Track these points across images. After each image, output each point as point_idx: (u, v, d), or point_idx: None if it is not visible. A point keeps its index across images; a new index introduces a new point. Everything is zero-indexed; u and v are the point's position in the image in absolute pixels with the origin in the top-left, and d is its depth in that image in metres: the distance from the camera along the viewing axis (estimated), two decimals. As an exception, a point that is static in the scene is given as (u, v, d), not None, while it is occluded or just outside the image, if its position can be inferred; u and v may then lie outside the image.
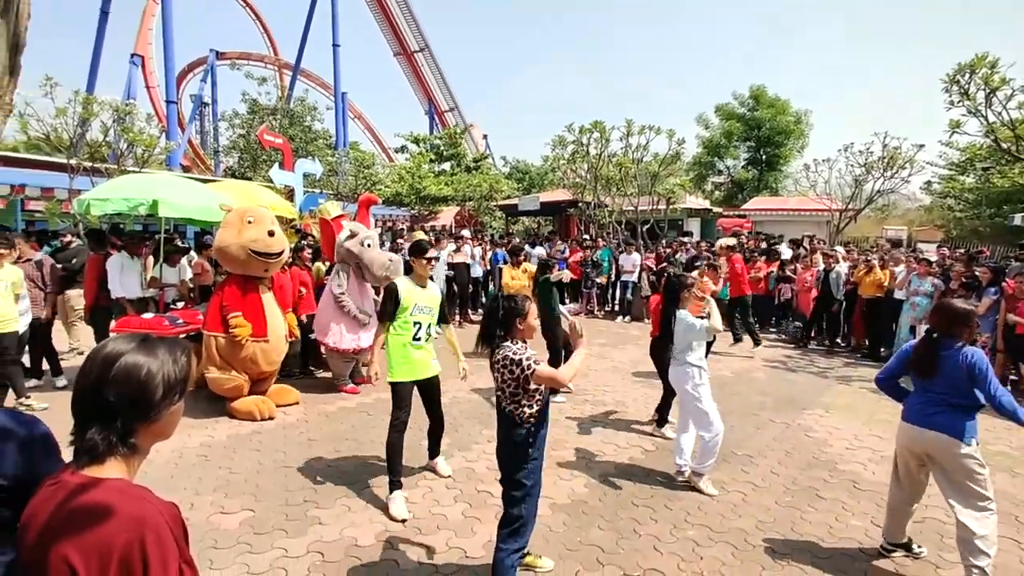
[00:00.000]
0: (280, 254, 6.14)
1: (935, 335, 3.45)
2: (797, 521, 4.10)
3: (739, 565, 3.54)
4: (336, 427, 5.82)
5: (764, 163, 31.25)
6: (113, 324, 6.80)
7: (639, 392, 7.19)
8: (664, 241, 15.70)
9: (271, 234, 6.00)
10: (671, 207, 17.95)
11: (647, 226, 16.38)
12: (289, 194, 12.35)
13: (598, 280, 13.40)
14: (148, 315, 6.64)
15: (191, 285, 8.21)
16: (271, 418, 6.01)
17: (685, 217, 21.87)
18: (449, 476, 4.71)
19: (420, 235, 10.41)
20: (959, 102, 9.02)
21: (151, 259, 8.14)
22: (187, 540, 1.30)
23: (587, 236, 16.72)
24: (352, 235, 6.77)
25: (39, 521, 1.19)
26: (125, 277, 6.97)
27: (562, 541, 3.77)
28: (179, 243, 9.25)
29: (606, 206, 17.55)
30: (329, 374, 7.33)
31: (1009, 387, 7.58)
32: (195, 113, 32.78)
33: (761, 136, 30.57)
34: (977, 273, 8.04)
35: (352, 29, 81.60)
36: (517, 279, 8.28)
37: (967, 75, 8.81)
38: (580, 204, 18.67)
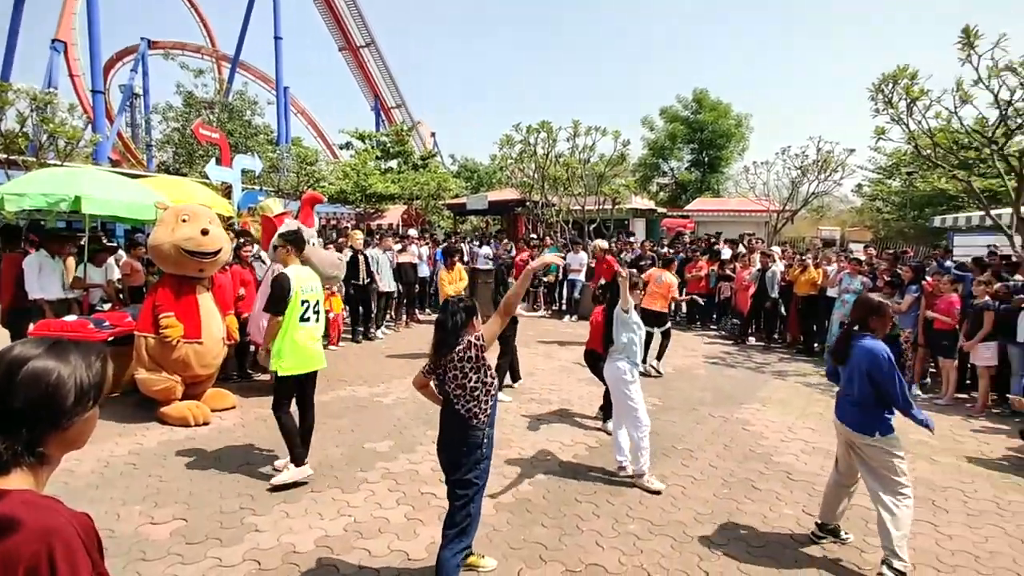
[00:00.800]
0: (216, 253, 5.90)
1: (855, 327, 3.65)
2: (734, 512, 4.23)
3: (678, 557, 3.62)
4: (274, 432, 5.55)
5: (707, 165, 32.18)
6: (31, 328, 6.37)
7: (584, 390, 7.27)
8: (613, 241, 15.94)
9: (205, 232, 5.77)
10: (617, 207, 18.23)
11: (593, 226, 16.60)
12: (227, 191, 11.90)
13: (545, 279, 13.49)
14: (71, 317, 6.25)
15: (119, 286, 7.79)
16: (206, 423, 5.77)
17: (631, 217, 22.25)
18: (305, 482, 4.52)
19: (359, 234, 10.20)
20: (883, 110, 9.51)
21: (73, 259, 7.68)
22: (102, 552, 1.23)
23: (534, 235, 16.81)
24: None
25: None
26: (44, 277, 6.54)
27: (506, 540, 3.76)
28: (106, 241, 8.76)
29: (553, 205, 17.68)
30: (268, 376, 7.09)
31: (928, 379, 8.06)
32: (125, 104, 31.06)
33: (704, 139, 31.46)
34: (899, 272, 8.50)
35: (295, 21, 79.26)
36: (453, 282, 8.26)
37: (890, 85, 9.30)
38: (528, 203, 18.74)
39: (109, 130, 24.59)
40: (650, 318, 8.42)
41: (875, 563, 3.57)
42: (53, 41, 24.92)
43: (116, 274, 7.84)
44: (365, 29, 38.38)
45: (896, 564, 3.31)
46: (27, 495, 1.16)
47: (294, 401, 4.60)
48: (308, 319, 4.55)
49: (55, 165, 10.61)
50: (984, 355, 6.85)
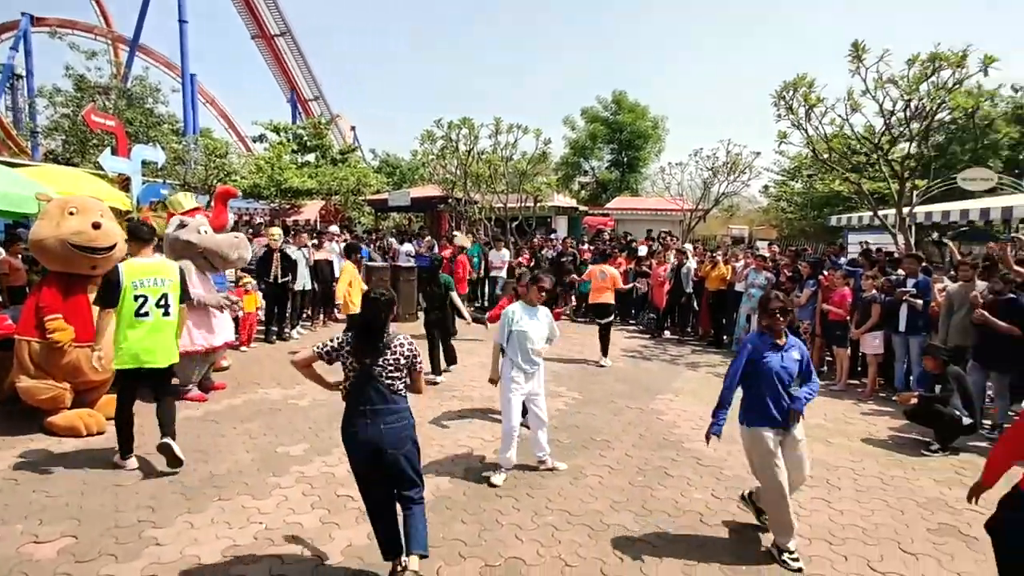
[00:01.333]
0: (110, 249, 5.47)
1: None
2: (648, 499, 4.38)
3: (594, 545, 3.70)
4: (179, 439, 5.29)
5: (626, 165, 33.18)
6: None
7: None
8: (535, 238, 16.12)
9: (96, 226, 5.33)
10: (539, 205, 18.47)
11: (516, 223, 16.72)
12: (124, 183, 11.06)
13: (468, 277, 13.45)
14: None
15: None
16: (100, 432, 5.34)
17: (553, 215, 22.59)
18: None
19: (276, 231, 9.79)
20: (785, 116, 10.14)
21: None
22: None
23: (456, 233, 16.74)
24: (182, 225, 6.23)
25: None
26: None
27: (425, 539, 3.70)
28: None
29: (476, 203, 17.67)
30: (175, 380, 6.66)
31: (824, 367, 8.65)
32: (3, 86, 28.29)
33: (623, 139, 32.40)
34: (799, 267, 9.10)
35: (203, 4, 74.87)
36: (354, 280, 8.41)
37: (791, 92, 9.92)
38: (451, 200, 18.64)
39: (-14, 114, 22.29)
40: (599, 311, 8.81)
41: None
42: (-84, 13, 22.30)
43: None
44: (280, 17, 36.82)
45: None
46: None
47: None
48: (147, 314, 4.57)
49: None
50: (872, 344, 7.44)
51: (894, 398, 6.68)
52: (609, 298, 8.84)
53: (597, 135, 32.32)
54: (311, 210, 24.07)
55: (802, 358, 3.75)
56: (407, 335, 3.25)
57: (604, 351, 8.72)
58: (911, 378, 7.19)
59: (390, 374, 3.11)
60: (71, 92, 22.55)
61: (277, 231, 9.82)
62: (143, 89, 24.23)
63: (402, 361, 3.15)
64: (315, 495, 4.26)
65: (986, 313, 5.97)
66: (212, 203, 7.05)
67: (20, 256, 7.89)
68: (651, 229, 17.45)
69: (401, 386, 3.17)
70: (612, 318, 8.95)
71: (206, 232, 6.25)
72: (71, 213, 5.34)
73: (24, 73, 29.26)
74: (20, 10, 29.05)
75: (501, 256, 13.03)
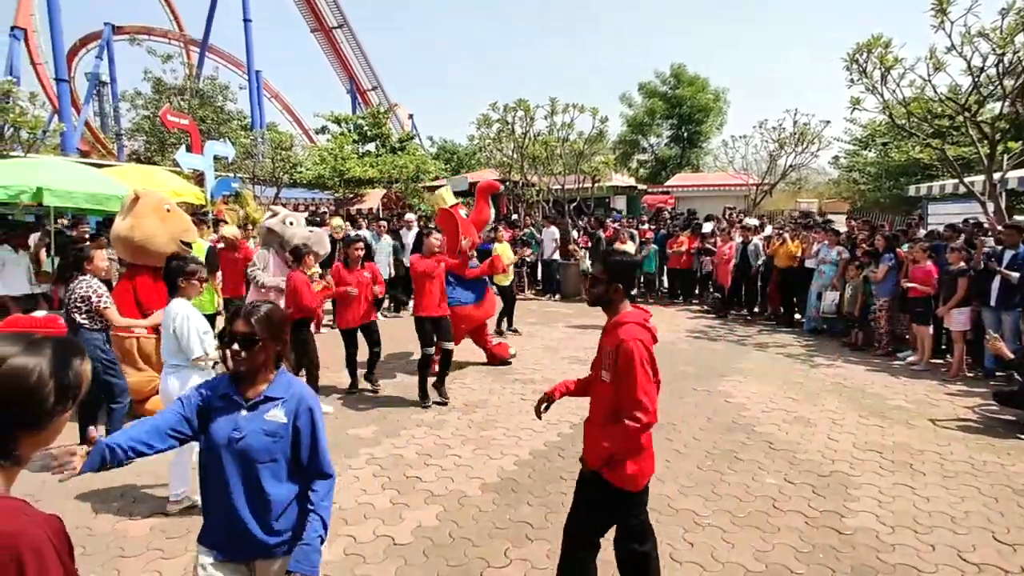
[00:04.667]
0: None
1: None
2: (717, 483, 4.28)
3: (663, 529, 3.64)
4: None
5: (686, 140, 32.19)
6: (-1, 325, 6.20)
7: (568, 369, 7.29)
8: (593, 218, 15.92)
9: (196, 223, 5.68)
10: (597, 185, 18.18)
11: (574, 204, 16.53)
12: (198, 179, 11.65)
13: (528, 259, 13.45)
14: (40, 313, 6.09)
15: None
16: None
17: (611, 195, 22.21)
18: None
19: (338, 220, 10.03)
20: (858, 80, 9.51)
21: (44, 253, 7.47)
22: (73, 556, 1.19)
23: (515, 215, 16.75)
24: (274, 215, 6.51)
25: None
26: (7, 273, 6.37)
27: (492, 520, 3.77)
28: (85, 233, 8.46)
29: (533, 185, 17.57)
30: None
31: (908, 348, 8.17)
32: (91, 93, 30.20)
33: (682, 114, 31.41)
34: (876, 241, 8.58)
35: (265, 2, 77.22)
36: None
37: (864, 54, 9.28)
38: (508, 184, 18.60)
39: (76, 120, 23.92)
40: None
41: (855, 527, 3.64)
42: (12, 28, 24.07)
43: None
44: (337, 9, 37.53)
45: None
46: None
47: None
48: None
49: (17, 157, 10.28)
50: (958, 320, 6.96)
51: (986, 343, 6.08)
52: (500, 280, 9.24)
53: (656, 111, 31.47)
54: (373, 198, 24.61)
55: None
56: None
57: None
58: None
59: None
60: (150, 95, 23.89)
61: (338, 221, 10.06)
62: (214, 88, 25.38)
63: None
64: (385, 476, 4.39)
65: None
66: (476, 198, 7.38)
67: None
68: (731, 207, 16.78)
69: None
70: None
71: (291, 224, 6.47)
72: (168, 211, 5.61)
73: (108, 80, 31.15)
74: (103, 20, 30.95)
75: (550, 233, 13.02)
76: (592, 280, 2.70)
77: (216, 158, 12.87)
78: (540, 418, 2.94)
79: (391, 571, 3.28)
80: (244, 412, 2.01)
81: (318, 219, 15.48)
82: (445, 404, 5.92)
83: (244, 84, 30.82)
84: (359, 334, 6.36)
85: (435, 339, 5.92)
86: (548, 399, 2.90)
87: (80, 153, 22.35)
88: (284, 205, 21.06)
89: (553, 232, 13.02)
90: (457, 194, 25.81)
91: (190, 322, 3.74)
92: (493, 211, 8.05)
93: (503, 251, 9.05)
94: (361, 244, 6.28)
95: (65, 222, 10.27)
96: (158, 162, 20.75)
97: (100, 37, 30.49)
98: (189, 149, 12.26)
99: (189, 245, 5.67)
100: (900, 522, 3.72)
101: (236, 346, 1.94)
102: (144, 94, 24.36)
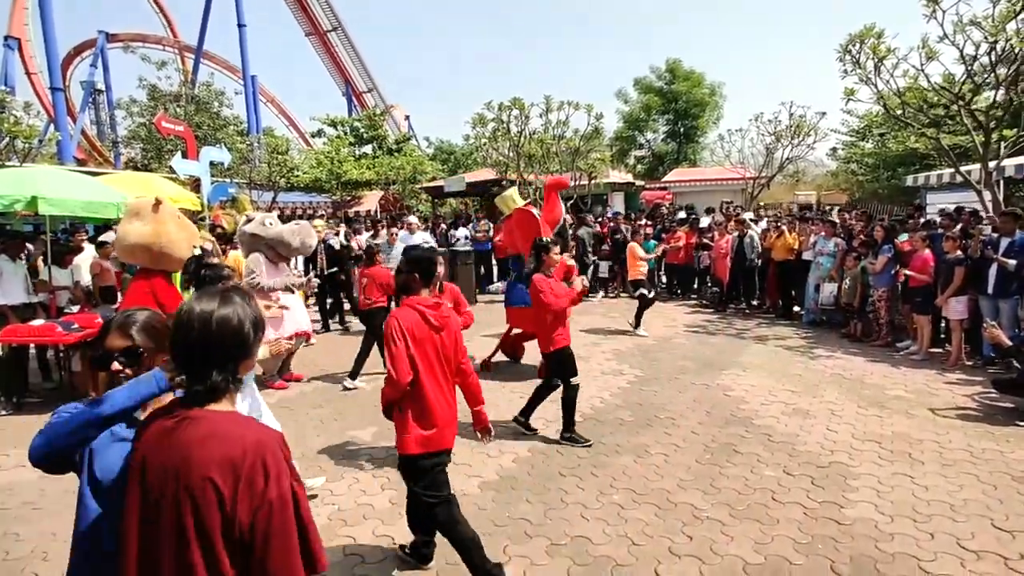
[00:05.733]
0: None
1: None
2: (716, 477, 4.28)
3: (662, 524, 3.65)
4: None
5: (682, 135, 32.12)
6: (-2, 334, 6.20)
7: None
8: (593, 216, 15.92)
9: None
10: (594, 182, 18.18)
11: (571, 201, 16.53)
12: (195, 185, 11.65)
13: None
14: (37, 322, 6.09)
15: (88, 287, 7.60)
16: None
17: (609, 191, 22.18)
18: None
19: (320, 222, 9.99)
20: (852, 71, 9.50)
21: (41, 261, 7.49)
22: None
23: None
24: (248, 220, 6.51)
25: (173, 452, 1.37)
26: (5, 282, 6.36)
27: (491, 518, 3.77)
28: (82, 240, 8.41)
29: (531, 184, 17.58)
30: (259, 371, 7.00)
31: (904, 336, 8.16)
32: (87, 101, 30.21)
33: (678, 109, 31.33)
34: (873, 232, 8.57)
35: (258, 7, 77.16)
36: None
37: (857, 45, 9.27)
38: (505, 183, 18.60)
39: (72, 128, 23.93)
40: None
41: (854, 517, 3.65)
42: (6, 38, 24.13)
43: (85, 275, 7.64)
44: (331, 12, 37.55)
45: None
46: (235, 415, 1.47)
47: None
48: None
49: (13, 167, 10.29)
50: (956, 309, 6.96)
51: (983, 331, 6.03)
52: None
53: (652, 106, 31.40)
54: (371, 200, 24.64)
55: None
56: None
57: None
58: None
59: None
60: (146, 102, 23.89)
61: (320, 222, 10.00)
62: (209, 94, 25.38)
63: None
64: (384, 477, 4.40)
65: None
66: (545, 194, 7.37)
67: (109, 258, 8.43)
68: (726, 201, 16.75)
69: None
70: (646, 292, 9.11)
71: (271, 224, 6.47)
72: (179, 217, 5.61)
73: (103, 88, 31.17)
74: (97, 28, 30.95)
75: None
76: (397, 270, 3.16)
77: (212, 164, 12.87)
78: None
79: (390, 571, 3.29)
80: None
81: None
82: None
83: (240, 89, 30.88)
84: None
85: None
86: None
87: (77, 161, 22.39)
88: (281, 210, 21.11)
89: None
90: (455, 194, 25.75)
91: None
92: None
93: (637, 251, 9.25)
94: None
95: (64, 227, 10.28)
96: (155, 169, 20.76)
97: (94, 45, 30.53)
98: (185, 155, 12.27)
99: (202, 251, 5.68)
100: (899, 511, 3.72)
101: (116, 364, 1.72)
102: (140, 101, 24.38)
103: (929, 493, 3.95)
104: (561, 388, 4.93)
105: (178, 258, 5.45)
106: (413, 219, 11.37)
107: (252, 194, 20.24)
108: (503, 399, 6.08)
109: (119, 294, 7.63)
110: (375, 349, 6.67)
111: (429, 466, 2.95)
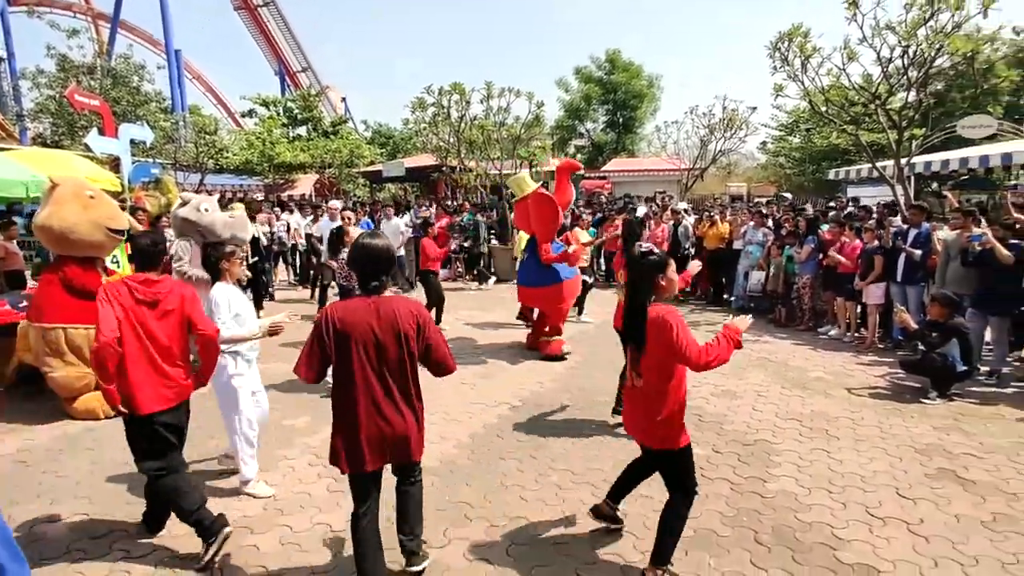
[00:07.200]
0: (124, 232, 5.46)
1: None
2: (650, 456, 4.42)
3: (597, 502, 3.75)
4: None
5: (621, 126, 32.79)
6: None
7: (509, 351, 7.35)
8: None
9: (122, 208, 5.32)
10: (535, 170, 18.28)
11: (508, 190, 16.56)
12: (114, 164, 10.94)
13: (465, 244, 13.40)
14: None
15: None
16: (109, 416, 5.37)
17: (549, 180, 22.35)
18: None
19: (240, 207, 9.57)
20: (780, 68, 9.93)
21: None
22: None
23: (451, 201, 16.63)
24: (184, 203, 6.15)
25: (383, 314, 2.65)
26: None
27: (432, 503, 3.75)
28: None
29: (471, 170, 17.49)
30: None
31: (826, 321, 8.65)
32: (-13, 70, 27.78)
33: (617, 100, 31.93)
34: (799, 223, 9.02)
35: (184, -24, 72.57)
36: None
37: (786, 43, 9.70)
38: (445, 168, 18.43)
39: (-30, 99, 21.91)
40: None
41: (776, 491, 3.87)
42: None
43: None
44: (262, -15, 35.90)
45: None
46: (399, 296, 2.82)
47: None
48: None
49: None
50: (875, 294, 7.45)
51: (894, 315, 6.50)
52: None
53: (592, 96, 31.84)
54: (305, 184, 23.88)
55: None
56: None
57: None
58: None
59: None
60: (55, 73, 22.12)
61: (240, 208, 9.52)
62: (128, 67, 23.74)
63: None
64: (320, 465, 4.32)
65: (990, 236, 5.87)
66: (556, 177, 7.15)
67: (15, 241, 7.85)
68: (661, 191, 17.20)
69: None
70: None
71: (207, 210, 6.14)
72: (91, 197, 5.23)
73: (5, 55, 28.65)
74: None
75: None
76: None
77: (133, 142, 12.10)
78: None
79: (328, 557, 3.25)
80: None
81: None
82: None
83: (162, 64, 29.08)
84: None
85: None
86: None
87: (-23, 136, 20.54)
88: (209, 192, 20.14)
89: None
90: (393, 179, 25.29)
91: (219, 309, 3.76)
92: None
93: (581, 236, 8.89)
94: None
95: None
96: (67, 146, 19.31)
97: (-6, 9, 27.97)
98: (102, 132, 11.44)
99: (120, 232, 5.32)
100: (816, 484, 3.98)
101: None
102: (48, 72, 22.51)
103: (843, 466, 4.24)
104: None
105: (81, 242, 5.13)
106: (336, 203, 11.04)
107: (178, 175, 19.21)
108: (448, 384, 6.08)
109: (28, 279, 7.13)
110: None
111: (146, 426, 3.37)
